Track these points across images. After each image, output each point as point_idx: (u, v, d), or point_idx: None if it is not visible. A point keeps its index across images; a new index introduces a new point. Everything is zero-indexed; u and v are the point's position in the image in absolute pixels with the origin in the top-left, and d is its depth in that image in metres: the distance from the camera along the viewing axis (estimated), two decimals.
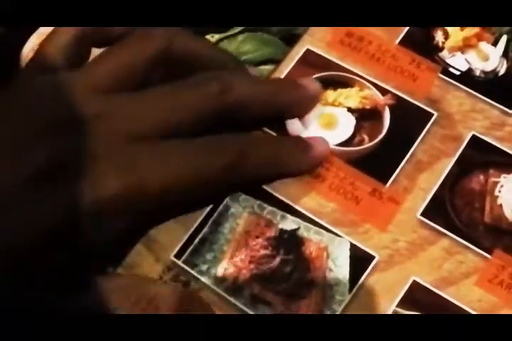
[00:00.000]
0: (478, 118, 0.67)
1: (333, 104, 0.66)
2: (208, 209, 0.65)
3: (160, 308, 0.56)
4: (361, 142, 0.66)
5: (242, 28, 0.71)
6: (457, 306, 0.61)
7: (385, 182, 0.65)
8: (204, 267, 0.63)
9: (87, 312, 0.30)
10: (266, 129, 0.65)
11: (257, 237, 0.63)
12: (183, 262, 0.63)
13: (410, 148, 0.66)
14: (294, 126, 0.64)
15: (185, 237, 0.64)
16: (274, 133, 0.60)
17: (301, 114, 0.36)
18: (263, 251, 0.63)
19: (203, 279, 0.63)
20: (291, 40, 0.71)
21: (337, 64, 0.69)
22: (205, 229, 0.64)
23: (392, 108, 0.66)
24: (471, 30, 0.69)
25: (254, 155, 0.28)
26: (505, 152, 0.65)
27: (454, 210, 0.64)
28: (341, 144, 0.66)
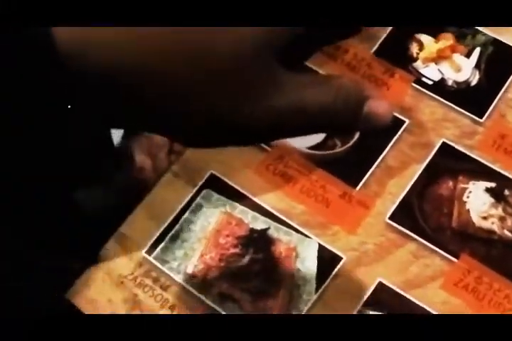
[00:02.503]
0: (449, 127, 0.68)
1: None
2: (180, 206, 0.66)
3: None
4: (333, 146, 0.68)
5: None
6: (422, 308, 0.61)
7: (355, 186, 0.66)
8: (175, 264, 0.64)
9: None
10: None
11: (228, 236, 0.64)
12: (154, 258, 0.64)
13: (381, 153, 0.67)
14: None
15: (157, 234, 0.65)
16: None
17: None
18: (233, 250, 0.64)
19: (173, 275, 0.64)
20: None
21: (314, 70, 0.70)
22: (177, 227, 0.65)
23: None
24: (445, 42, 0.71)
25: None
26: (474, 159, 0.66)
27: (422, 215, 0.65)
28: (313, 148, 0.67)
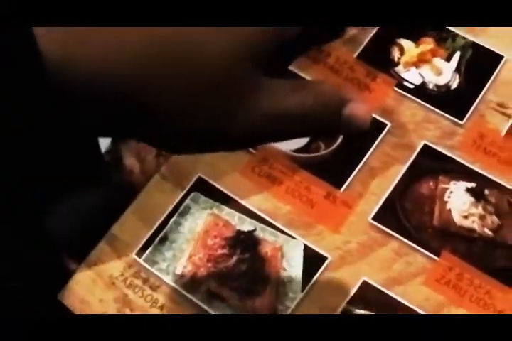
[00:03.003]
0: (430, 128, 0.70)
1: None
2: (170, 209, 0.68)
3: None
4: (317, 149, 0.69)
5: None
6: (405, 305, 0.63)
7: (340, 187, 0.68)
8: (164, 265, 0.66)
9: None
10: None
11: (215, 237, 0.66)
12: (144, 260, 0.66)
13: (364, 155, 0.69)
14: None
15: (147, 236, 0.67)
16: None
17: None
18: (220, 251, 0.65)
19: (162, 276, 0.65)
20: None
21: (296, 74, 0.72)
22: (166, 229, 0.67)
23: None
24: (425, 47, 0.73)
25: None
26: (454, 160, 0.68)
27: (404, 214, 0.66)
28: (298, 150, 0.69)
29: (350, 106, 0.36)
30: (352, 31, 0.74)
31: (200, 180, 0.69)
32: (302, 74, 0.72)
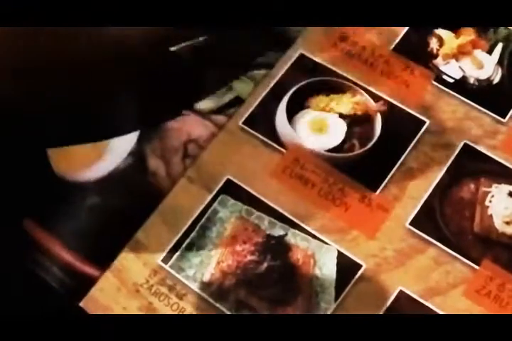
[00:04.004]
0: (470, 126, 0.66)
1: (324, 110, 0.66)
2: (196, 213, 0.64)
3: None
4: (352, 148, 0.66)
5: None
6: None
7: (375, 190, 0.64)
8: (191, 272, 0.63)
9: None
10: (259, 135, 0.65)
11: (245, 243, 0.63)
12: (170, 266, 0.63)
13: (401, 155, 0.65)
14: (285, 130, 0.64)
15: (173, 242, 0.64)
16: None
17: None
18: (250, 257, 0.62)
19: (189, 284, 0.62)
20: (284, 44, 0.70)
21: (330, 69, 0.68)
22: (193, 234, 0.64)
23: (384, 114, 0.66)
24: (465, 38, 0.69)
25: None
26: (496, 161, 0.65)
27: (443, 219, 0.63)
28: (331, 150, 0.65)
29: None
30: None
31: (228, 182, 0.65)
32: (334, 69, 0.68)
